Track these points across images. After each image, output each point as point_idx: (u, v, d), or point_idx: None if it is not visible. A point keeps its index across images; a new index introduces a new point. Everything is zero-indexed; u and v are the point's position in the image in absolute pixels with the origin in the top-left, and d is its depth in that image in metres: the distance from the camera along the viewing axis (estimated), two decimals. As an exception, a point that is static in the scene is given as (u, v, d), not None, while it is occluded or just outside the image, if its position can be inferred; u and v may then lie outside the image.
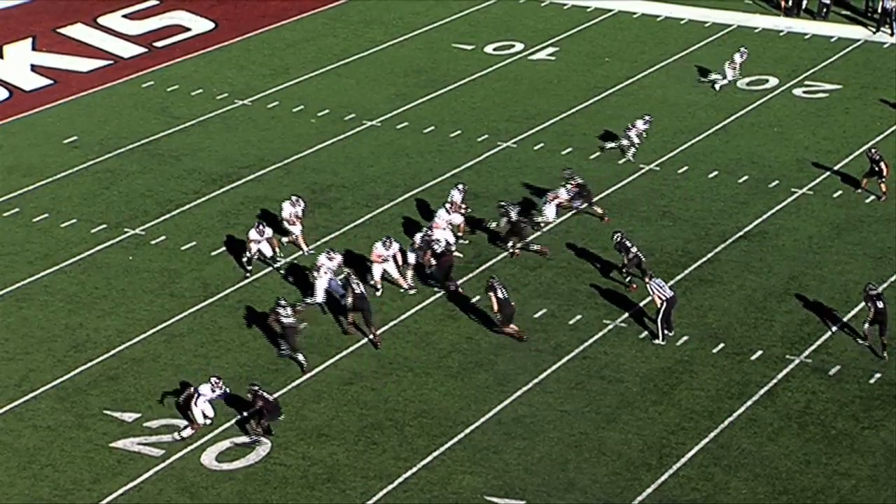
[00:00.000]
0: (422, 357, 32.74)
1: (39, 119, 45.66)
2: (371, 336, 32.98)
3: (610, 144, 42.19)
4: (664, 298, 32.82)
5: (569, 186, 38.12)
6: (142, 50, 50.75)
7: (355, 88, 47.39)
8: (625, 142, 41.61)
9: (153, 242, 37.81)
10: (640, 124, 41.76)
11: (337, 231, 37.98)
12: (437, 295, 34.90)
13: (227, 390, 30.16)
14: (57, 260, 37.00)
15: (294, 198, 37.17)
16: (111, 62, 49.82)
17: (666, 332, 33.03)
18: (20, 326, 34.16)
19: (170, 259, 36.89)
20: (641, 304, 33.99)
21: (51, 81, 48.35)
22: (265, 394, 29.72)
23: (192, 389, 29.97)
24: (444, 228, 36.23)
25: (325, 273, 34.12)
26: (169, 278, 35.99)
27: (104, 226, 38.68)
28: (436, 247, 34.74)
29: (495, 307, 32.81)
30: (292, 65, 49.31)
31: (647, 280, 33.27)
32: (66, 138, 44.10)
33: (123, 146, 43.40)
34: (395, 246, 34.67)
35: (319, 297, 34.10)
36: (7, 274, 36.38)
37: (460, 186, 37.69)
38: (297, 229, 37.02)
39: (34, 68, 49.28)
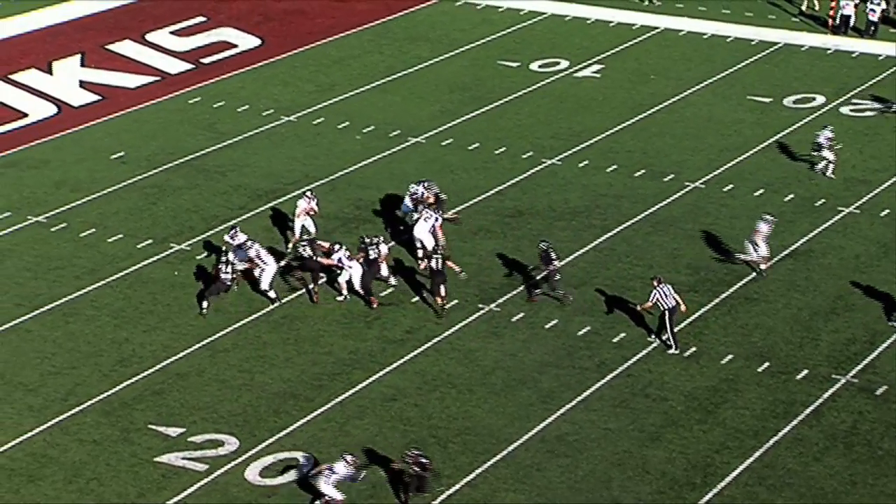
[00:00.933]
0: (465, 374, 32.72)
1: (87, 134, 45.96)
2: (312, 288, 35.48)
3: (821, 166, 41.32)
4: (667, 307, 32.68)
5: (765, 219, 36.39)
6: (189, 66, 51.05)
7: (400, 105, 47.49)
8: (831, 156, 41.04)
9: (199, 258, 37.96)
10: (830, 133, 41.31)
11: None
12: (481, 312, 34.89)
13: (363, 473, 28.34)
14: (103, 275, 37.20)
15: (309, 194, 37.99)
16: (158, 78, 50.11)
17: (669, 340, 32.90)
18: (67, 341, 34.35)
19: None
20: (692, 318, 33.84)
21: (99, 97, 48.67)
22: (424, 458, 28.19)
23: (324, 467, 28.31)
24: (431, 232, 36.60)
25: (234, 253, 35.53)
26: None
27: (150, 241, 38.88)
28: (371, 252, 35.11)
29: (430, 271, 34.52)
30: (338, 81, 49.46)
31: (655, 284, 33.03)
32: (114, 154, 44.37)
33: (170, 162, 43.64)
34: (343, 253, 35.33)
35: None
36: (54, 288, 36.60)
37: (426, 183, 38.13)
38: (311, 225, 37.42)
39: (83, 84, 49.62)
